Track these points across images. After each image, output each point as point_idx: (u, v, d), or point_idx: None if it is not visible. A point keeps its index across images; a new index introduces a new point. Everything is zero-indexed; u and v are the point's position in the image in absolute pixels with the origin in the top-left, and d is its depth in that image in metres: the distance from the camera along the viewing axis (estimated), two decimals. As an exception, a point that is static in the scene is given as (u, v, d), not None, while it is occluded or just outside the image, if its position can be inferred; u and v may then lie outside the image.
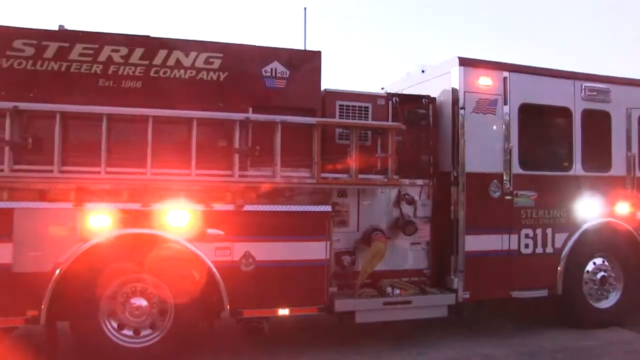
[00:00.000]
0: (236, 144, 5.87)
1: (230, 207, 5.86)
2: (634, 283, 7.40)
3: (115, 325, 5.68)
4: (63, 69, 5.80)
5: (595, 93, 7.24)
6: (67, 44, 5.82)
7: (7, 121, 5.35)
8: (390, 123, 6.51)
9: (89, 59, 5.86)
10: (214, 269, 5.75)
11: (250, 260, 5.89)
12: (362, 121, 6.50)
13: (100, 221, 5.53)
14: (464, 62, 6.69)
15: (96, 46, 5.88)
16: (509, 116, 6.81)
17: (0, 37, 5.69)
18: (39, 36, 5.78)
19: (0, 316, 5.33)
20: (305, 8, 10.30)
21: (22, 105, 5.38)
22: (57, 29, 5.96)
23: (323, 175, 6.08)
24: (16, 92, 5.57)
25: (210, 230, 5.80)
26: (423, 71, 7.38)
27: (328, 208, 6.19)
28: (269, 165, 6.00)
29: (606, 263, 7.32)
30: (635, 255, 7.39)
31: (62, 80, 5.78)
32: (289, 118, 6.06)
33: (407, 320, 6.59)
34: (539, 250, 6.93)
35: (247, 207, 5.87)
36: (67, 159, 5.51)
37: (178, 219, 5.71)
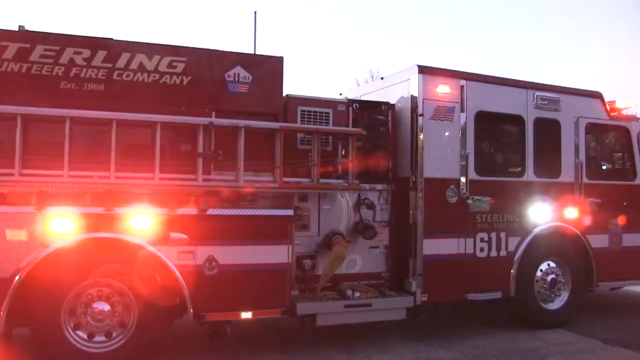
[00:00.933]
0: (200, 149, 6.11)
1: (194, 211, 6.06)
2: (580, 285, 7.90)
3: (77, 330, 5.74)
4: (24, 70, 5.87)
5: (546, 102, 7.71)
6: (27, 45, 5.87)
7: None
8: (351, 129, 6.81)
9: (51, 60, 5.91)
10: (177, 273, 5.87)
11: (214, 264, 6.07)
12: (325, 126, 6.77)
13: (62, 225, 5.58)
14: (423, 70, 7.04)
15: (58, 48, 5.94)
16: (466, 123, 7.19)
17: (-44, 37, 5.81)
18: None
19: (-42, 322, 5.42)
20: (255, 12, 10.64)
21: (-20, 107, 5.50)
22: (17, 29, 6.09)
23: (285, 179, 6.36)
24: None
25: (174, 234, 5.96)
26: (382, 78, 7.76)
27: (290, 212, 6.42)
28: (232, 170, 6.25)
29: (555, 266, 7.80)
30: (581, 258, 7.89)
31: (23, 82, 5.83)
32: (252, 123, 6.29)
33: (367, 323, 6.88)
34: (494, 253, 7.34)
35: (211, 211, 6.09)
36: (29, 162, 5.55)
37: (141, 222, 5.82)
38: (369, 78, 31.41)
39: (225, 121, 6.22)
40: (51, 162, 5.63)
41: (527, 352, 6.72)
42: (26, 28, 6.05)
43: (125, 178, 5.84)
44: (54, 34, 6.07)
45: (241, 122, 6.23)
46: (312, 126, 6.74)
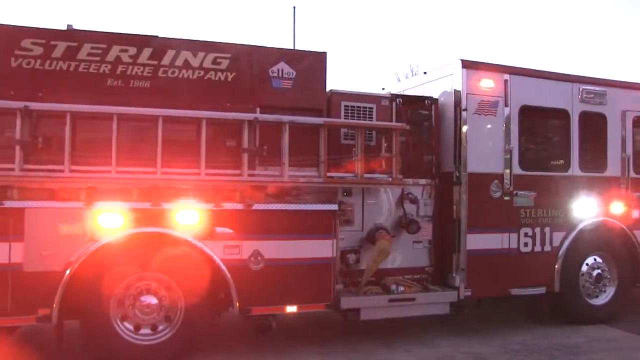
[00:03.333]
0: (245, 144, 5.73)
1: (239, 206, 5.68)
2: (627, 280, 7.28)
3: (125, 323, 5.43)
4: (71, 68, 5.55)
5: (592, 95, 7.08)
6: (75, 44, 5.56)
7: (18, 121, 5.14)
8: (395, 124, 6.31)
9: (98, 58, 5.59)
10: (223, 267, 5.52)
11: (259, 258, 5.68)
12: (368, 122, 6.30)
13: (110, 220, 5.28)
14: (467, 64, 6.49)
15: (104, 46, 5.62)
16: (510, 118, 6.63)
17: (8, 36, 5.42)
18: (48, 35, 5.50)
19: (12, 315, 5.07)
20: (294, 7, 10.17)
21: (33, 105, 5.11)
22: (65, 28, 5.78)
23: (329, 174, 5.94)
24: (25, 91, 5.28)
25: (219, 229, 5.60)
26: (425, 73, 7.23)
27: (334, 207, 5.96)
28: (275, 165, 5.82)
29: (601, 261, 7.18)
30: (628, 253, 7.25)
31: (71, 80, 5.51)
32: (296, 118, 5.87)
33: (408, 317, 6.43)
34: (538, 248, 6.76)
35: (256, 206, 5.71)
36: (77, 158, 5.22)
37: (187, 217, 5.47)
38: (409, 73, 30.45)
39: (270, 117, 5.80)
40: (99, 159, 5.32)
41: (569, 348, 6.26)
42: (74, 27, 5.75)
43: (172, 174, 5.48)
44: (101, 32, 5.75)
45: (285, 118, 5.79)
46: (355, 121, 6.27)
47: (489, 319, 7.24)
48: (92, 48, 5.61)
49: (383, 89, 7.99)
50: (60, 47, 5.53)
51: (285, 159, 5.76)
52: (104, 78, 5.64)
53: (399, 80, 29.24)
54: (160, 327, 5.58)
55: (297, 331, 6.58)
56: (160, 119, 5.44)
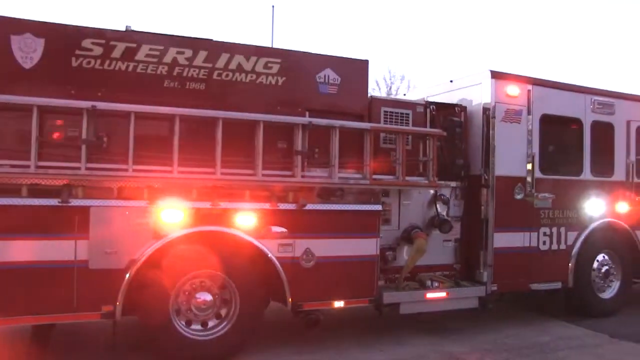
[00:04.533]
0: (298, 147, 5.70)
1: (293, 207, 5.67)
2: (629, 275, 7.59)
3: (183, 319, 5.35)
4: (130, 69, 5.39)
5: (602, 106, 7.32)
6: (134, 45, 5.41)
7: (84, 120, 4.98)
8: (433, 130, 6.37)
9: (155, 60, 5.44)
10: (278, 265, 5.49)
11: (310, 256, 5.65)
12: (410, 127, 6.37)
13: (172, 219, 5.17)
14: (496, 75, 6.61)
15: (162, 47, 5.47)
16: (532, 125, 6.79)
17: (69, 36, 5.22)
18: (107, 36, 5.32)
19: (77, 311, 4.92)
20: (273, 6, 10.08)
21: (100, 105, 4.97)
22: (124, 29, 5.62)
23: (374, 176, 6.01)
24: (85, 91, 5.10)
25: (275, 228, 5.58)
26: (451, 81, 7.34)
27: (379, 207, 6.02)
28: (321, 167, 5.87)
29: (608, 258, 7.44)
30: (630, 251, 7.56)
31: (129, 80, 5.36)
32: (346, 123, 5.85)
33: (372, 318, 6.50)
34: (554, 246, 6.95)
35: (309, 207, 5.72)
36: (138, 158, 5.09)
37: (245, 217, 5.41)
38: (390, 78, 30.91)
39: (323, 121, 5.77)
40: (160, 159, 5.21)
41: (536, 346, 6.30)
42: (132, 28, 5.58)
43: (230, 174, 5.41)
44: (158, 34, 5.60)
45: (336, 123, 5.79)
46: (399, 127, 6.31)
47: (462, 319, 7.07)
48: (150, 49, 5.46)
49: (404, 94, 8.05)
50: (120, 47, 5.35)
51: (336, 161, 5.76)
52: (161, 79, 5.50)
53: (379, 87, 29.57)
54: (212, 323, 5.50)
55: (270, 330, 6.23)
56: (220, 121, 5.35)
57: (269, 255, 5.49)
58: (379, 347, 6.09)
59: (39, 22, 5.20)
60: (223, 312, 5.52)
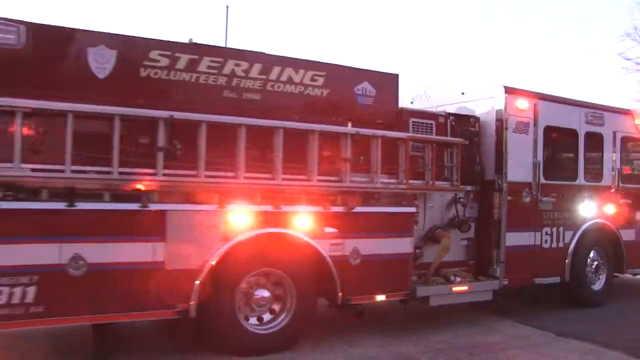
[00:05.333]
0: (347, 154, 6.15)
1: (342, 209, 6.14)
2: (612, 269, 8.54)
3: (245, 314, 5.75)
4: (193, 79, 5.71)
5: (593, 118, 8.18)
6: (196, 57, 5.71)
7: (161, 129, 5.26)
8: (457, 139, 6.95)
9: (215, 71, 5.76)
10: (330, 262, 5.94)
11: (357, 254, 6.13)
12: (440, 137, 6.95)
13: (239, 222, 5.55)
14: (508, 90, 7.30)
15: (221, 60, 5.81)
16: (537, 135, 7.56)
17: (139, 47, 5.54)
18: (173, 48, 5.62)
19: (154, 309, 5.21)
20: (227, 6, 10.46)
21: (177, 115, 5.29)
22: (187, 42, 5.90)
23: (411, 182, 6.56)
24: (152, 100, 5.36)
25: (327, 229, 6.05)
26: (463, 93, 8.00)
27: (413, 209, 6.59)
28: (361, 172, 6.36)
29: (597, 254, 8.33)
30: (614, 248, 8.49)
31: (192, 90, 5.66)
32: (387, 133, 6.37)
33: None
34: (554, 244, 7.73)
35: (357, 209, 6.22)
36: (208, 165, 5.39)
37: (302, 219, 5.84)
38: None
39: (368, 131, 6.26)
40: (227, 165, 5.56)
41: (487, 345, 6.41)
42: (194, 41, 5.89)
43: (289, 180, 5.82)
44: (218, 46, 6.00)
45: (379, 132, 6.31)
46: (429, 136, 6.90)
47: (415, 320, 7.20)
48: (211, 61, 5.78)
49: (412, 102, 8.65)
50: (184, 59, 5.65)
51: (378, 168, 6.28)
52: (221, 90, 5.84)
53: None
54: (267, 317, 5.89)
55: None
56: (282, 131, 5.75)
57: (323, 254, 5.94)
58: (332, 348, 6.08)
59: (112, 34, 5.43)
60: (277, 307, 5.91)
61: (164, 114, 5.22)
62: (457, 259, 7.43)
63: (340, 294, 6.03)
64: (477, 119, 7.53)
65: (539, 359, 6.05)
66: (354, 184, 6.14)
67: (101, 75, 5.33)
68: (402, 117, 6.92)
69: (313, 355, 5.82)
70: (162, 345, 5.87)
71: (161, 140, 5.23)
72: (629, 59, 22.57)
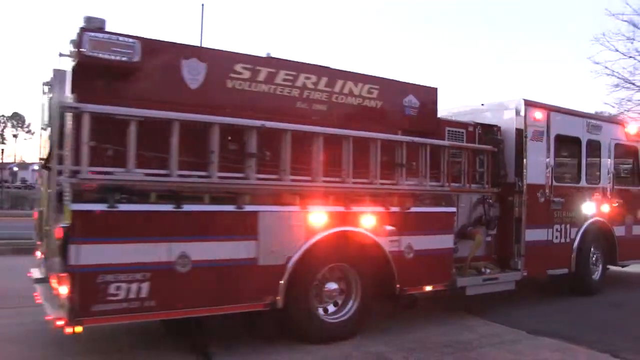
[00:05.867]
0: (402, 160, 6.79)
1: (398, 209, 6.77)
2: (607, 262, 9.67)
3: (320, 305, 6.30)
4: (271, 91, 6.23)
5: (593, 127, 9.19)
6: (274, 70, 6.23)
7: (253, 136, 5.73)
8: (488, 147, 7.74)
9: (290, 83, 6.30)
10: (390, 257, 6.56)
11: (410, 249, 6.76)
12: (473, 144, 7.70)
13: (318, 221, 6.08)
14: (528, 103, 8.17)
15: (294, 73, 6.34)
16: (549, 143, 8.46)
17: (225, 61, 5.98)
18: (254, 61, 6.11)
19: (246, 302, 5.67)
20: (202, 5, 10.96)
21: (267, 124, 5.80)
22: (265, 55, 6.37)
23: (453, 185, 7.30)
24: (237, 110, 5.82)
25: (387, 227, 6.66)
26: (482, 104, 8.81)
27: (454, 209, 7.35)
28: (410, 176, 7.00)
29: (595, 248, 9.34)
30: (608, 243, 9.54)
31: (270, 101, 6.18)
32: (433, 141, 7.05)
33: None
34: (562, 240, 8.63)
35: (412, 209, 6.88)
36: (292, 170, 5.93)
37: (367, 218, 6.43)
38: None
39: (419, 140, 6.93)
40: (306, 170, 6.09)
41: (461, 344, 6.49)
42: (272, 55, 6.37)
43: (358, 184, 6.41)
44: (292, 61, 6.44)
45: (428, 141, 6.99)
46: (466, 144, 7.65)
47: (389, 318, 7.27)
48: (286, 74, 6.30)
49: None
50: (263, 72, 6.15)
51: (427, 172, 6.96)
52: (294, 101, 6.37)
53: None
54: (331, 309, 6.46)
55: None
56: (351, 139, 6.33)
57: (385, 249, 6.56)
58: (304, 348, 6.07)
59: (203, 47, 5.90)
60: (340, 299, 6.48)
61: (257, 123, 5.70)
62: (486, 253, 8.22)
63: (397, 286, 6.66)
64: (499, 128, 8.34)
65: (510, 356, 6.13)
66: (409, 186, 6.78)
67: (193, 86, 5.77)
68: (440, 126, 7.63)
69: (286, 355, 5.90)
70: (247, 335, 6.33)
71: (253, 147, 5.70)
72: (598, 63, 23.20)
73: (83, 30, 4.98)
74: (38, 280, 6.58)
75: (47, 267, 6.60)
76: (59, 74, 5.72)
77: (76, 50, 4.98)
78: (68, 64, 5.34)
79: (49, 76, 6.84)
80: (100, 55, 5.02)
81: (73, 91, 5.19)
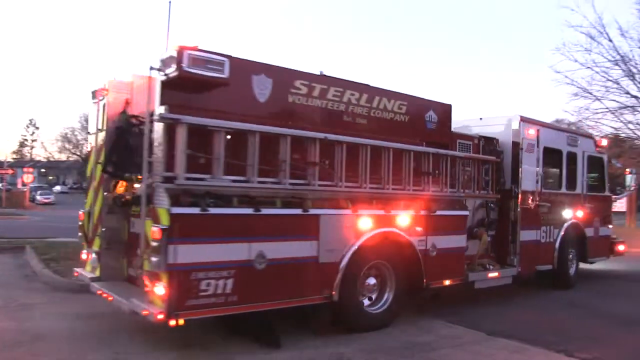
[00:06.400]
0: (429, 169, 7.64)
1: (425, 212, 7.61)
2: (579, 259, 10.99)
3: (364, 297, 7.06)
4: (323, 105, 6.89)
5: (571, 141, 10.47)
6: (325, 86, 6.90)
7: (315, 147, 6.38)
8: (492, 157, 8.80)
9: (338, 99, 7.01)
10: (419, 254, 7.43)
11: (434, 247, 7.65)
12: (482, 155, 8.70)
13: (365, 223, 6.83)
14: (523, 119, 9.29)
15: (342, 90, 7.04)
16: (539, 154, 9.58)
17: (287, 77, 6.58)
18: (309, 78, 6.75)
19: (307, 296, 6.33)
20: (170, 2, 11.47)
21: (330, 136, 6.45)
22: (319, 73, 6.99)
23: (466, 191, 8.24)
24: (297, 122, 6.44)
25: (417, 228, 7.50)
26: (481, 119, 9.82)
27: (467, 212, 8.31)
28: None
29: (572, 247, 10.58)
30: (581, 242, 10.83)
31: (322, 115, 6.85)
32: (454, 153, 8.03)
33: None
34: (547, 240, 9.79)
35: (437, 212, 7.74)
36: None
37: (402, 220, 7.25)
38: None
39: (443, 151, 7.83)
40: (354, 178, 6.80)
41: (421, 345, 6.60)
42: (324, 73, 7.02)
43: (395, 190, 7.19)
44: (339, 78, 7.12)
45: (450, 152, 7.94)
46: (477, 155, 8.64)
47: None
48: (335, 90, 6.99)
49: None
50: (317, 88, 6.82)
51: (448, 180, 7.85)
52: (341, 115, 7.07)
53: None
54: (366, 303, 7.18)
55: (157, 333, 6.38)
56: (391, 150, 7.12)
57: (416, 247, 7.39)
58: (264, 350, 6.14)
59: (269, 65, 6.45)
60: (374, 294, 7.24)
61: (320, 135, 6.36)
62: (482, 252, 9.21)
63: (425, 280, 7.51)
64: (497, 140, 9.37)
65: (469, 357, 6.29)
66: (434, 192, 7.65)
67: (262, 99, 6.35)
68: (453, 139, 8.55)
69: (243, 356, 5.97)
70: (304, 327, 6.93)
71: (316, 156, 6.36)
72: (559, 72, 23.79)
73: (182, 48, 5.45)
74: (94, 279, 6.92)
75: (103, 266, 6.97)
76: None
77: (176, 65, 5.42)
78: (156, 78, 5.74)
79: (101, 83, 7.23)
80: (197, 71, 5.51)
81: (163, 102, 5.61)
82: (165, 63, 5.60)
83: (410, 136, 7.74)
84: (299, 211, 6.26)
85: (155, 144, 5.60)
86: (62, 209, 33.60)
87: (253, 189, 5.89)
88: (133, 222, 6.85)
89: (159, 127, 5.53)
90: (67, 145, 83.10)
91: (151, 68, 5.71)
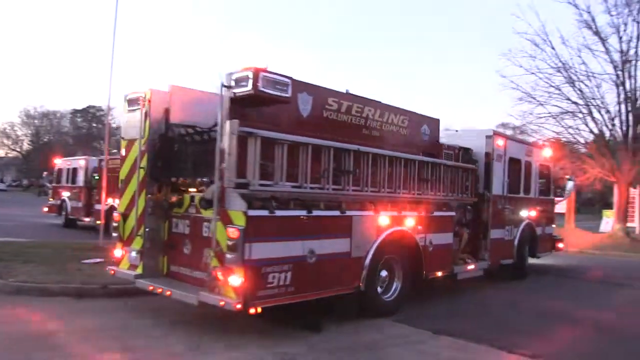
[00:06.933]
0: (428, 176, 8.88)
1: (426, 214, 8.84)
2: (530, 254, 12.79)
3: (379, 287, 8.17)
4: (348, 120, 7.95)
5: (528, 151, 12.22)
6: (351, 103, 7.97)
7: (350, 157, 7.40)
8: (473, 166, 10.25)
9: (359, 114, 8.12)
10: (421, 250, 8.69)
11: (431, 244, 8.93)
12: (466, 164, 10.11)
13: (384, 223, 7.98)
14: (495, 132, 10.85)
15: (362, 106, 8.15)
16: (505, 163, 11.17)
17: (323, 95, 7.56)
18: (339, 96, 7.81)
19: (338, 287, 7.33)
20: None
21: (361, 148, 7.50)
22: (345, 92, 8.00)
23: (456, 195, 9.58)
24: (328, 135, 7.39)
25: (419, 227, 8.72)
26: (457, 131, 11.26)
27: (454, 213, 9.67)
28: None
29: (527, 243, 12.38)
30: (533, 239, 12.61)
31: (347, 129, 7.90)
32: (447, 162, 9.36)
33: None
34: (509, 237, 11.42)
35: (434, 214, 8.99)
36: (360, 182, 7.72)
37: (410, 220, 8.47)
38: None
39: (439, 161, 9.12)
40: (375, 183, 7.91)
41: (368, 344, 6.79)
42: (349, 91, 8.06)
43: (405, 194, 8.37)
44: (360, 96, 8.21)
45: (445, 162, 9.25)
46: (464, 164, 10.01)
47: (295, 319, 7.33)
48: (357, 107, 8.08)
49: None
50: (344, 105, 7.89)
51: (442, 185, 9.15)
52: (361, 128, 8.19)
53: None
54: (391, 289, 8.36)
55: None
56: (402, 160, 8.29)
57: (419, 244, 8.62)
58: (211, 349, 6.24)
59: (310, 84, 7.39)
60: (383, 285, 8.37)
61: (354, 147, 7.40)
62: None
63: (424, 272, 8.77)
64: (472, 150, 10.83)
65: (415, 356, 6.46)
66: (432, 196, 8.92)
67: (305, 114, 7.31)
68: (441, 149, 9.87)
69: (192, 357, 6.05)
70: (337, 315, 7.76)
71: (350, 165, 7.39)
72: (504, 77, 25.11)
73: (258, 70, 6.29)
74: (138, 276, 7.49)
75: (146, 264, 7.54)
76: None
77: (252, 85, 6.24)
78: (226, 94, 6.49)
79: (139, 92, 7.79)
80: (269, 91, 6.38)
81: (232, 117, 6.39)
82: (238, 82, 6.39)
83: (412, 147, 8.97)
84: (337, 212, 7.29)
85: (226, 153, 6.36)
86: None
87: (305, 194, 6.82)
88: (176, 223, 7.52)
89: (230, 138, 6.31)
90: (5, 141, 77.76)
91: (222, 85, 6.47)
